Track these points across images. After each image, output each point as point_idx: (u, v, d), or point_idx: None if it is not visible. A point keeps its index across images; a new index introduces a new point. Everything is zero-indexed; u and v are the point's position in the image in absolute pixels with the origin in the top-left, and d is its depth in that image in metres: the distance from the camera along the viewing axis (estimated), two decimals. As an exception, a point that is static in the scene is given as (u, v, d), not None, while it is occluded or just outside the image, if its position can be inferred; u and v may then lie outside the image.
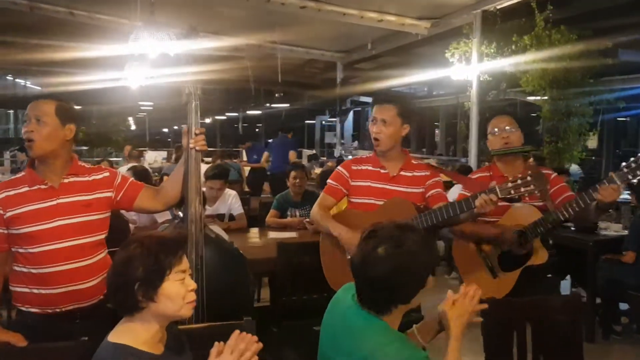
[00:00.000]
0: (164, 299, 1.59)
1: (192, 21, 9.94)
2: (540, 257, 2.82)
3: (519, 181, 2.36)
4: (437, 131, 17.97)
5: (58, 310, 2.19)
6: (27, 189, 2.19)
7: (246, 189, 7.86)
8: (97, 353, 1.56)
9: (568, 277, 5.23)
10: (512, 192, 2.37)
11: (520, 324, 2.39)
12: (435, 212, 2.53)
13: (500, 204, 2.89)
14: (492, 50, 7.10)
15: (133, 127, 25.52)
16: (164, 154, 10.27)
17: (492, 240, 2.88)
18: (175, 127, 26.11)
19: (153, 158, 10.01)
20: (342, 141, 17.38)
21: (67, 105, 2.25)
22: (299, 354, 3.01)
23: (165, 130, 28.97)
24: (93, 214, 2.27)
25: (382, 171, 2.79)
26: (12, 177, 2.29)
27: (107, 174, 2.38)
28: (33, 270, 2.17)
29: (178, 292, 1.61)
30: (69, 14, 9.47)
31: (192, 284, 1.66)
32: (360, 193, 2.79)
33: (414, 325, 1.90)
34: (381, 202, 2.69)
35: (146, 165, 9.42)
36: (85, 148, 14.65)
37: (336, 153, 13.73)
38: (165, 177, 6.98)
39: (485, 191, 2.41)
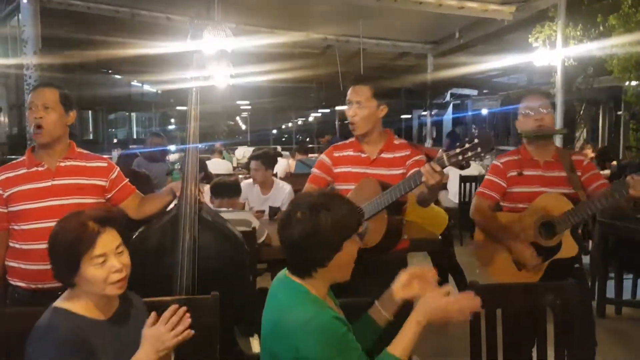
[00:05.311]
0: (84, 282, 1.64)
1: (279, 20, 10.21)
2: (569, 249, 2.66)
3: (467, 145, 2.20)
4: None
5: (40, 286, 2.31)
6: (25, 170, 2.35)
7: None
8: (41, 317, 1.65)
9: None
10: (460, 157, 2.20)
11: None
12: (392, 190, 2.44)
13: (529, 190, 2.75)
14: (577, 33, 6.63)
15: (243, 127, 26.52)
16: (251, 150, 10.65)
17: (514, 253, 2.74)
18: (283, 126, 26.67)
19: (242, 154, 10.41)
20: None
21: (68, 93, 2.39)
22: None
23: (274, 131, 29.83)
24: (86, 197, 2.37)
25: (362, 155, 2.75)
26: (13, 161, 2.43)
27: (104, 164, 2.49)
28: (24, 246, 2.31)
29: (96, 275, 1.62)
30: (165, 19, 10.09)
31: (116, 265, 1.65)
32: (342, 179, 2.78)
33: (376, 301, 1.87)
34: None
35: (234, 161, 9.87)
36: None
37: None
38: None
39: (431, 161, 2.27)
